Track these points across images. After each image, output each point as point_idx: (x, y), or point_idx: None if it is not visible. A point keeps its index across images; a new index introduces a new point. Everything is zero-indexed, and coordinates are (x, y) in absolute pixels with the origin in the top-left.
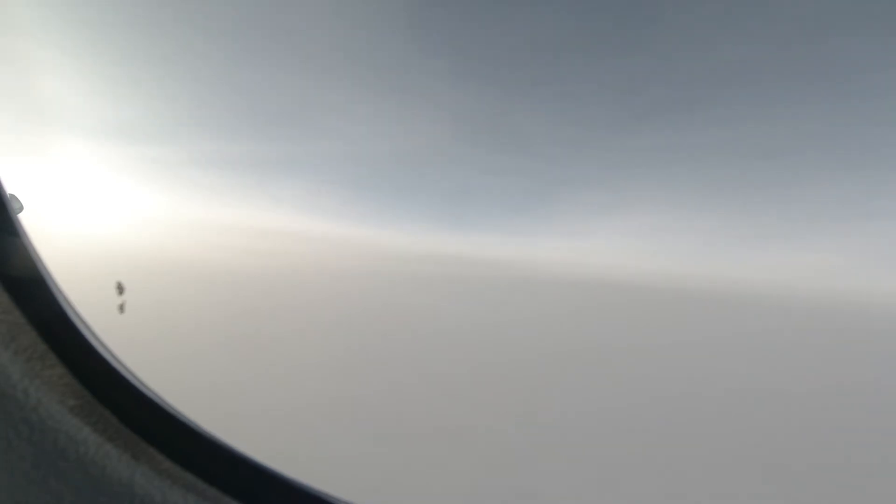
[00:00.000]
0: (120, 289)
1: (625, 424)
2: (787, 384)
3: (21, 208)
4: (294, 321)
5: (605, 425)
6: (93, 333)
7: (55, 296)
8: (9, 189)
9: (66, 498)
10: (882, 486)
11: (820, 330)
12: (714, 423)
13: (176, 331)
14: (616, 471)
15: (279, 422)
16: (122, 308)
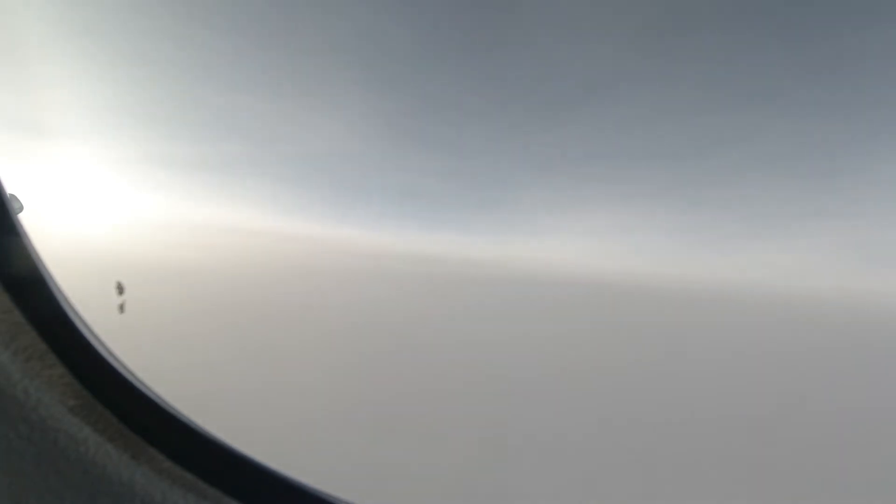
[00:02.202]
0: (120, 289)
1: (592, 415)
2: (754, 378)
3: (21, 208)
4: (289, 320)
5: (571, 416)
6: (93, 333)
7: (55, 296)
8: (9, 189)
9: (67, 498)
10: (864, 477)
11: (787, 326)
12: (683, 414)
13: (176, 330)
14: (587, 463)
15: (278, 421)
16: (122, 308)
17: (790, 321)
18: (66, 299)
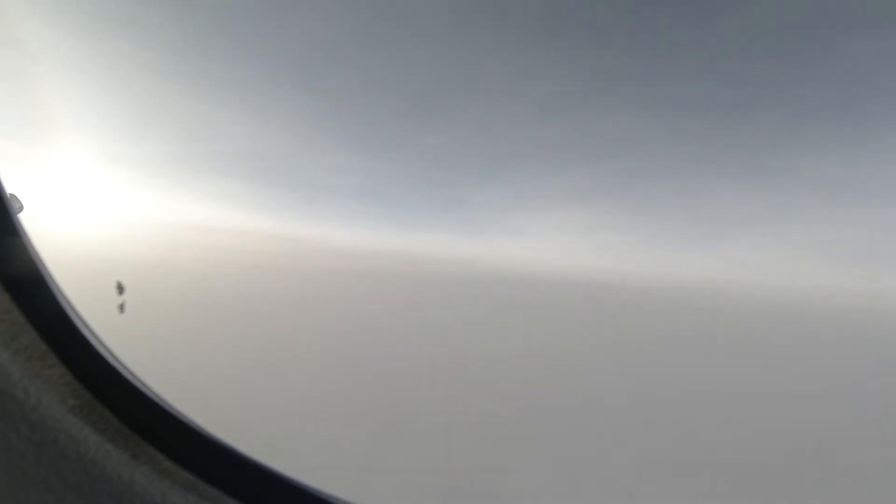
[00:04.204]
0: (120, 289)
1: (569, 410)
2: (721, 376)
3: (21, 208)
4: (285, 320)
5: (549, 412)
6: (93, 333)
7: (55, 296)
8: (9, 189)
9: (67, 498)
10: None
11: (753, 324)
12: (656, 409)
13: (175, 330)
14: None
15: (277, 420)
16: (122, 308)
17: (757, 319)
18: (66, 299)
